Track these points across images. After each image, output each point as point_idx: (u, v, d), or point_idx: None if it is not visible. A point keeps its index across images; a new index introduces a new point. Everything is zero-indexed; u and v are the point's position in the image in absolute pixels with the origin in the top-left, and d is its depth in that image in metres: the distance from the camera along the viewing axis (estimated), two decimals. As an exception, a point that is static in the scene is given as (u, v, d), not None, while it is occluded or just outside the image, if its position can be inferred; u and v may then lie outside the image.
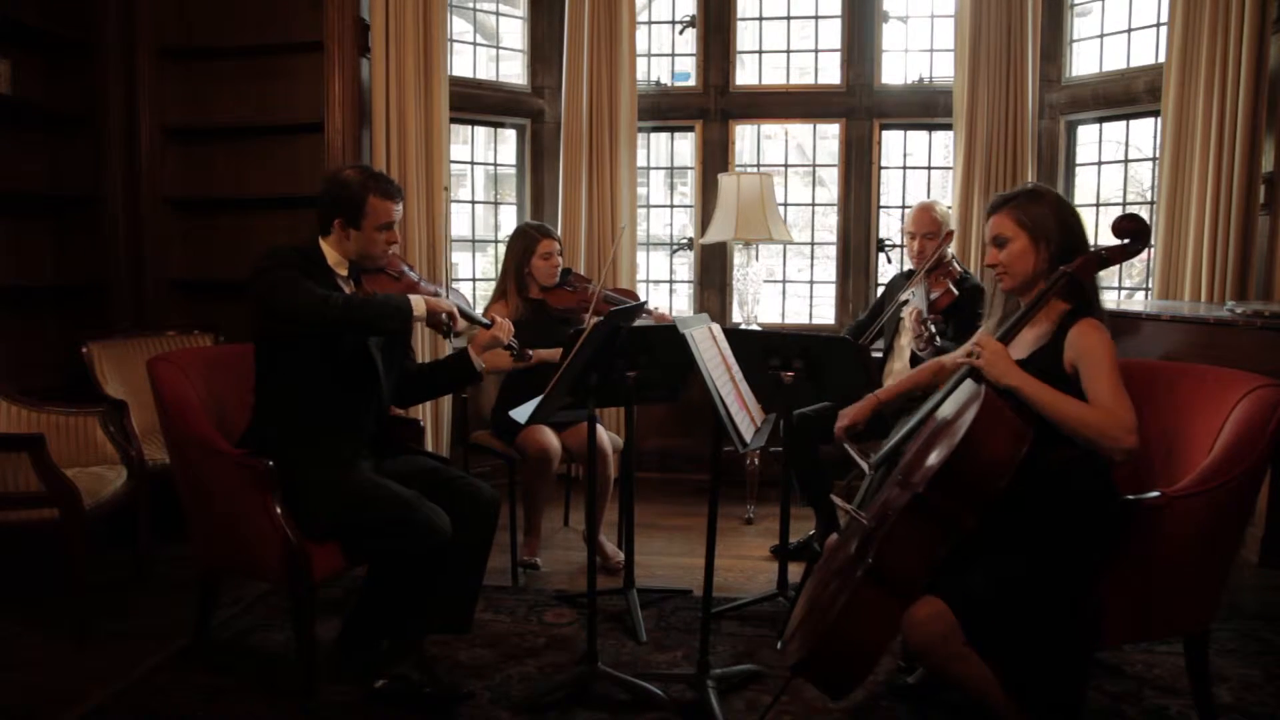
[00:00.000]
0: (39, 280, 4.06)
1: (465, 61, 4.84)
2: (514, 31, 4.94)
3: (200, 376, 2.70)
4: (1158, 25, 4.29)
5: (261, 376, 2.53)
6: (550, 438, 3.30)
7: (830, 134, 5.09)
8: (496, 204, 5.14)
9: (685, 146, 5.13)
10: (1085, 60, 4.58)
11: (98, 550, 3.12)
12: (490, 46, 4.93)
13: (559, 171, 4.65)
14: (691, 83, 4.93)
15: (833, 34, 4.86)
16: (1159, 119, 4.03)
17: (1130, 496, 2.02)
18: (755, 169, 4.95)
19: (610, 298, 3.55)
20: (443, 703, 2.39)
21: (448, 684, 2.47)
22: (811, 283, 5.08)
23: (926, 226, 3.50)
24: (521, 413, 2.45)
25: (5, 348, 3.81)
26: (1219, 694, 2.43)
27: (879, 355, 3.69)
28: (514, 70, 4.93)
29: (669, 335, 2.35)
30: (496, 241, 5.01)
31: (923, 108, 4.74)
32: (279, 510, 2.35)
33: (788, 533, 3.23)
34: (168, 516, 3.04)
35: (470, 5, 4.85)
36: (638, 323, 2.73)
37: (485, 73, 4.88)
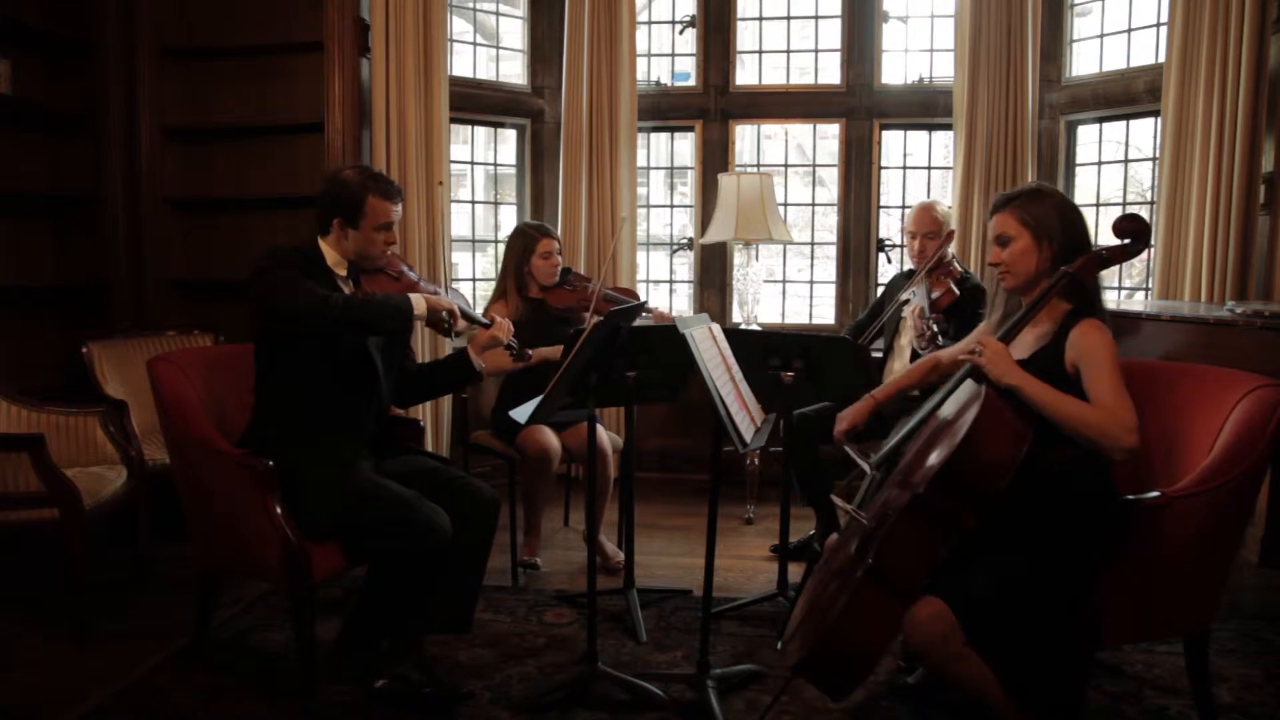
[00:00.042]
0: (39, 280, 4.06)
1: (465, 61, 4.84)
2: (514, 31, 4.94)
3: (200, 376, 2.70)
4: (1158, 25, 4.29)
5: (261, 376, 2.53)
6: (550, 438, 3.30)
7: (830, 134, 5.09)
8: (496, 204, 5.14)
9: (685, 146, 5.13)
10: (1085, 60, 4.58)
11: (98, 550, 3.12)
12: (490, 46, 4.93)
13: (559, 171, 4.65)
14: (691, 83, 4.93)
15: (833, 34, 4.86)
16: (1159, 119, 4.03)
17: (1130, 496, 2.02)
18: (755, 169, 4.95)
19: (610, 296, 3.55)
20: (443, 703, 2.39)
21: (448, 684, 2.47)
22: (811, 283, 5.08)
23: (927, 226, 3.50)
24: (521, 413, 2.45)
25: (5, 348, 3.81)
26: (1219, 694, 2.43)
27: (879, 355, 3.69)
28: (514, 70, 4.93)
29: (669, 335, 2.35)
30: (496, 241, 5.01)
31: (923, 108, 4.74)
32: (279, 510, 2.35)
33: (788, 532, 3.23)
34: (168, 516, 3.04)
35: (470, 5, 4.85)
36: (638, 322, 2.73)
37: (485, 73, 4.88)
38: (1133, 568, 2.02)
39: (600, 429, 3.24)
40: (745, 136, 5.09)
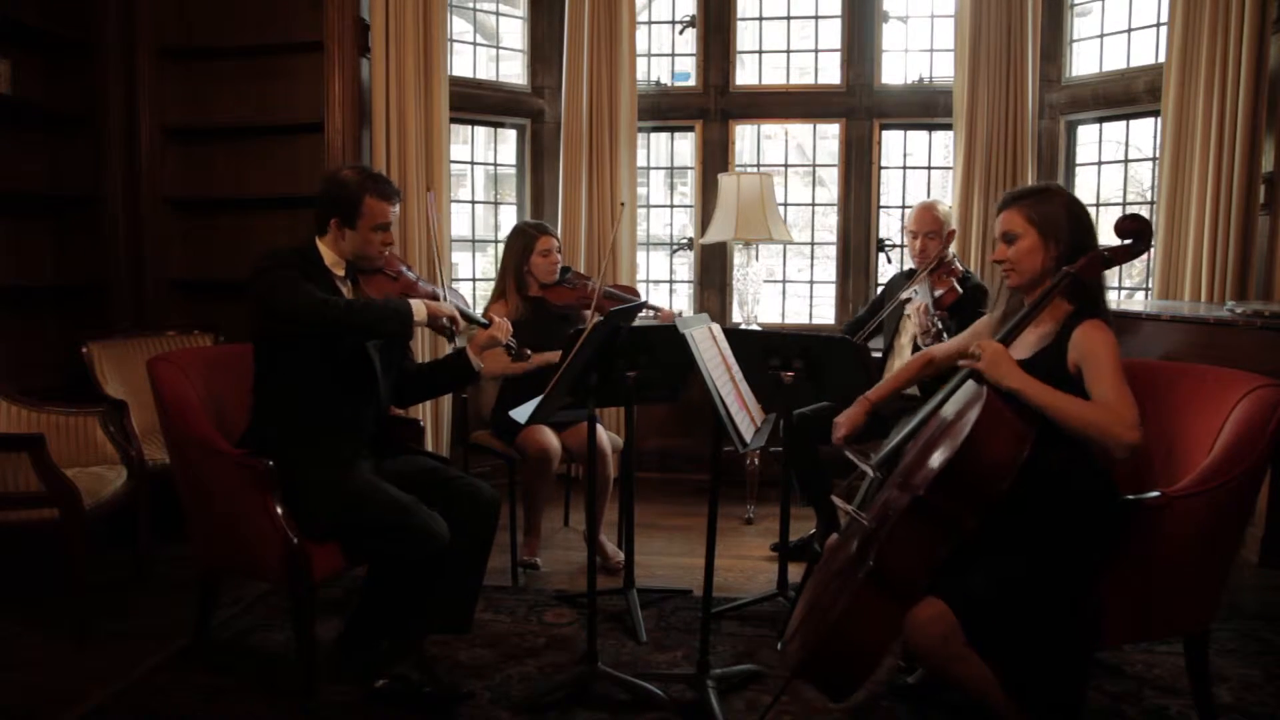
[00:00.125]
0: (39, 280, 4.06)
1: (465, 61, 4.84)
2: (514, 31, 4.94)
3: (200, 376, 2.70)
4: (1158, 25, 4.29)
5: (261, 377, 2.53)
6: (550, 438, 3.29)
7: (830, 134, 5.09)
8: (496, 204, 5.14)
9: (685, 146, 5.13)
10: (1085, 60, 4.58)
11: (98, 550, 3.12)
12: (490, 46, 4.93)
13: (559, 171, 4.65)
14: (691, 83, 4.93)
15: (833, 34, 4.86)
16: (1159, 119, 4.03)
17: (1130, 496, 2.02)
18: (755, 169, 4.95)
19: (611, 294, 3.55)
20: (443, 703, 2.39)
21: (448, 684, 2.47)
22: (811, 283, 5.08)
23: (928, 225, 3.50)
24: (521, 413, 2.45)
25: (5, 348, 3.81)
26: (1219, 694, 2.43)
27: (878, 355, 3.69)
28: (514, 70, 4.93)
29: (669, 335, 2.35)
30: (496, 241, 5.01)
31: (923, 108, 4.74)
32: (279, 510, 2.35)
33: (788, 532, 3.23)
34: (168, 516, 3.04)
35: (470, 5, 4.85)
36: (640, 321, 2.73)
37: (485, 73, 4.88)
38: (1133, 568, 2.02)
39: (600, 429, 3.24)
40: (745, 136, 5.09)
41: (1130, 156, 4.56)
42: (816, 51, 4.95)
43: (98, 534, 3.08)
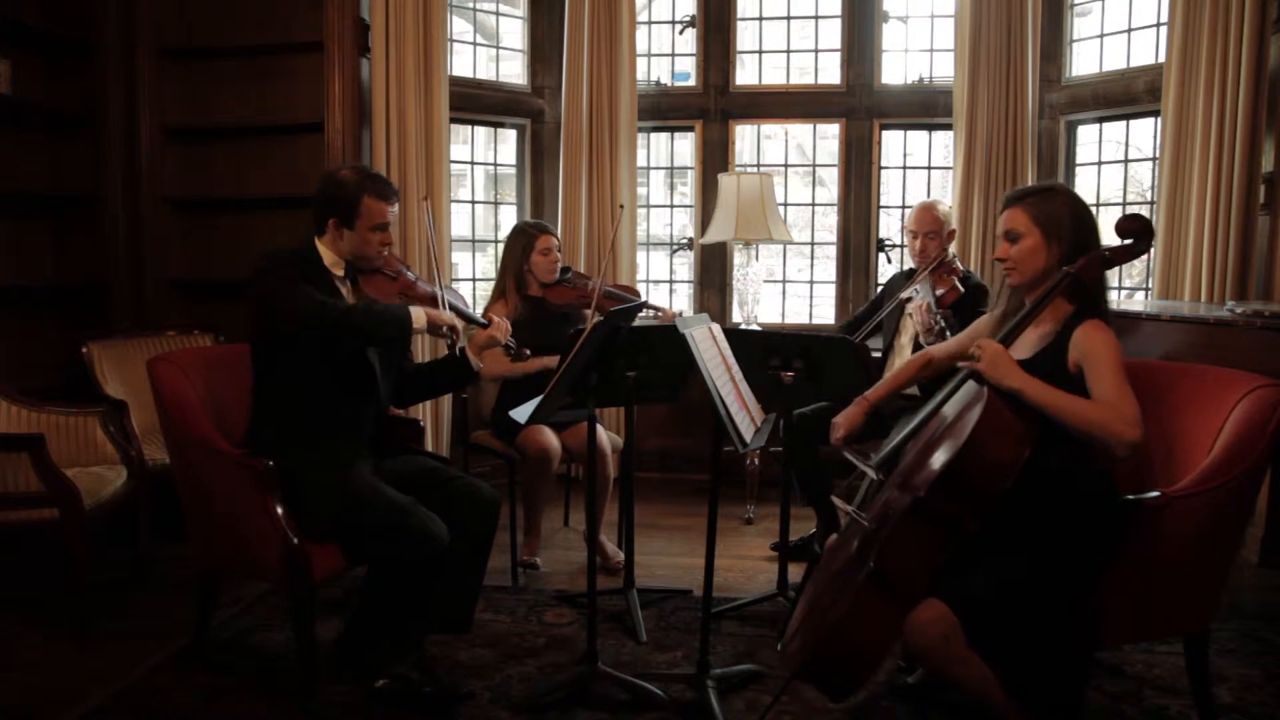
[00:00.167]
0: (39, 280, 4.06)
1: (465, 61, 4.84)
2: (514, 31, 4.94)
3: (200, 376, 2.70)
4: (1158, 25, 4.29)
5: (260, 377, 2.53)
6: (550, 438, 3.29)
7: (830, 134, 5.09)
8: (496, 204, 5.15)
9: (685, 146, 5.13)
10: (1085, 60, 4.58)
11: (98, 550, 3.12)
12: (490, 46, 4.93)
13: (559, 171, 4.65)
14: (691, 83, 4.93)
15: (833, 34, 4.86)
16: (1159, 119, 4.03)
17: (1130, 496, 2.02)
18: (755, 169, 4.95)
19: (611, 293, 3.55)
20: (443, 703, 2.39)
21: (448, 684, 2.47)
22: (811, 283, 5.08)
23: (929, 225, 3.50)
24: (521, 413, 2.45)
25: (5, 348, 3.81)
26: (1219, 694, 2.43)
27: (878, 355, 3.69)
28: (514, 70, 4.93)
29: (669, 335, 2.35)
30: (496, 241, 5.01)
31: (923, 108, 4.74)
32: (279, 510, 2.35)
33: (788, 532, 3.23)
34: (168, 516, 3.04)
35: (470, 5, 4.85)
36: (639, 321, 2.73)
37: (485, 73, 4.88)
38: (1133, 568, 2.02)
39: (600, 429, 3.24)
40: (745, 136, 5.09)
41: (1130, 156, 4.56)
42: (816, 51, 4.95)
43: (98, 534, 3.08)
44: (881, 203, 4.86)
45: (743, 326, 4.40)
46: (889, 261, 4.84)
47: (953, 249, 3.57)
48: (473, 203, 5.21)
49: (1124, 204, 4.65)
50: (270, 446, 2.43)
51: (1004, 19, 4.29)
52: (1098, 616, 2.01)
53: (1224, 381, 2.24)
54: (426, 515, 2.37)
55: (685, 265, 5.15)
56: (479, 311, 3.16)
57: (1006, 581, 1.92)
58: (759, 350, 2.96)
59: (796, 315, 5.15)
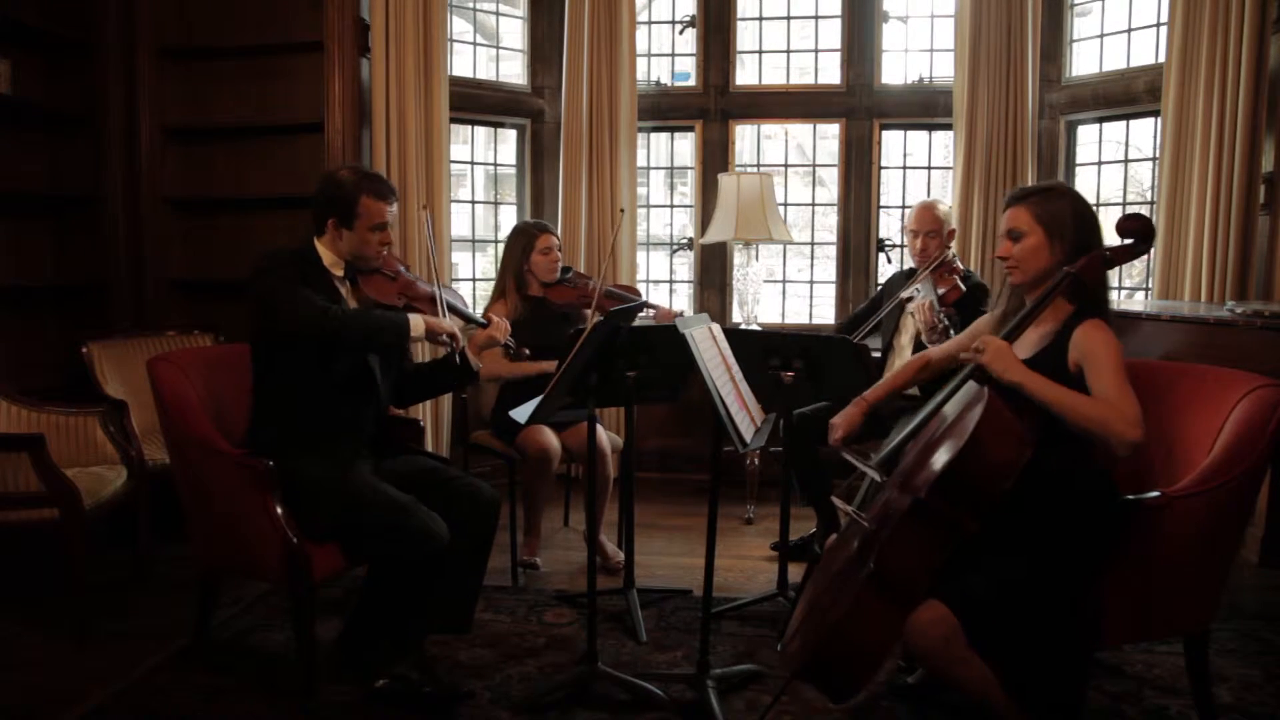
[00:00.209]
0: (39, 280, 4.06)
1: (465, 61, 4.84)
2: (514, 31, 4.94)
3: (200, 376, 2.70)
4: (1158, 25, 4.29)
5: (259, 377, 2.53)
6: (550, 438, 3.29)
7: (830, 134, 5.09)
8: (496, 204, 5.15)
9: (685, 146, 5.13)
10: (1085, 60, 4.58)
11: (98, 550, 3.12)
12: (490, 46, 4.93)
13: (559, 171, 4.65)
14: (691, 83, 4.93)
15: (833, 34, 4.86)
16: (1159, 119, 4.03)
17: (1130, 496, 2.02)
18: (755, 169, 4.95)
19: (612, 293, 3.55)
20: (443, 703, 2.39)
21: (448, 684, 2.47)
22: (811, 283, 5.08)
23: (929, 224, 3.50)
24: (521, 413, 2.45)
25: (5, 348, 3.81)
26: (1219, 694, 2.43)
27: (877, 355, 3.69)
28: (514, 70, 4.93)
29: (669, 335, 2.35)
30: (496, 241, 5.01)
31: (923, 108, 4.74)
32: (279, 510, 2.35)
33: (788, 532, 3.23)
34: (168, 516, 3.04)
35: (470, 5, 4.85)
36: (640, 321, 2.73)
37: (485, 73, 4.88)
38: (1133, 568, 2.02)
39: (600, 429, 3.24)
40: (745, 136, 5.09)
41: (1130, 156, 4.56)
42: (816, 51, 4.95)
43: (98, 534, 3.08)
44: (881, 203, 4.86)
45: (743, 326, 4.40)
46: (889, 261, 4.84)
47: (953, 249, 3.57)
48: (473, 203, 5.21)
49: (1124, 204, 4.65)
50: (270, 446, 2.43)
51: (1004, 19, 4.29)
52: (1098, 616, 2.01)
53: (1224, 381, 2.24)
54: (427, 514, 2.37)
55: (685, 265, 5.15)
56: (479, 311, 3.16)
57: (1007, 582, 1.92)
58: (759, 350, 2.96)
59: (796, 315, 5.15)
